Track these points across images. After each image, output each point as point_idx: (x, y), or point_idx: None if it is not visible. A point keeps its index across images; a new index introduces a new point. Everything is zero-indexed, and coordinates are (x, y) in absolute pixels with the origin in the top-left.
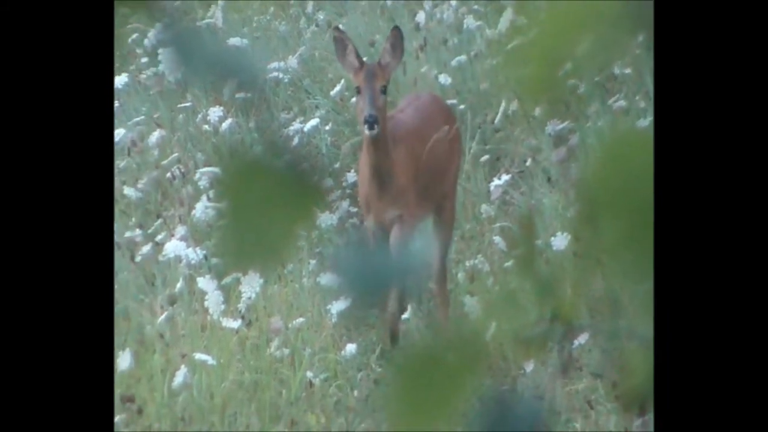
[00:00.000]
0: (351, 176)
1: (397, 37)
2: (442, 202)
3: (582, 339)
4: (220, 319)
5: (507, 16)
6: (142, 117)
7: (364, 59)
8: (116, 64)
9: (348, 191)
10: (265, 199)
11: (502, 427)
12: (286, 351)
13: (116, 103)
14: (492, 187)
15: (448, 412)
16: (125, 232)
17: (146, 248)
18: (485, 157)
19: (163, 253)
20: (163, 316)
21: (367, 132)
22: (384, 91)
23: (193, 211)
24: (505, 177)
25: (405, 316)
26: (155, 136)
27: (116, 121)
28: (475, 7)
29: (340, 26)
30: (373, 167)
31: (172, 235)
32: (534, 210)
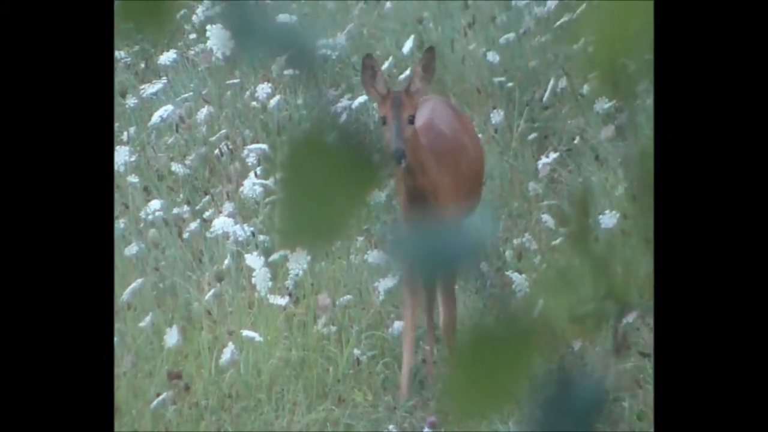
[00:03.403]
0: None
1: (430, 59)
2: (474, 204)
3: (630, 318)
4: (268, 296)
5: None
6: (190, 93)
7: (389, 88)
8: (164, 41)
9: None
10: (315, 176)
11: (562, 404)
12: (333, 328)
13: (164, 80)
14: (540, 165)
15: (504, 392)
16: (173, 208)
17: (194, 225)
18: (533, 135)
19: (211, 229)
20: (210, 293)
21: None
22: (411, 120)
23: (241, 188)
24: (553, 155)
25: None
26: (203, 112)
27: (164, 98)
28: None
29: (373, 54)
30: (414, 191)
31: (220, 212)
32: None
